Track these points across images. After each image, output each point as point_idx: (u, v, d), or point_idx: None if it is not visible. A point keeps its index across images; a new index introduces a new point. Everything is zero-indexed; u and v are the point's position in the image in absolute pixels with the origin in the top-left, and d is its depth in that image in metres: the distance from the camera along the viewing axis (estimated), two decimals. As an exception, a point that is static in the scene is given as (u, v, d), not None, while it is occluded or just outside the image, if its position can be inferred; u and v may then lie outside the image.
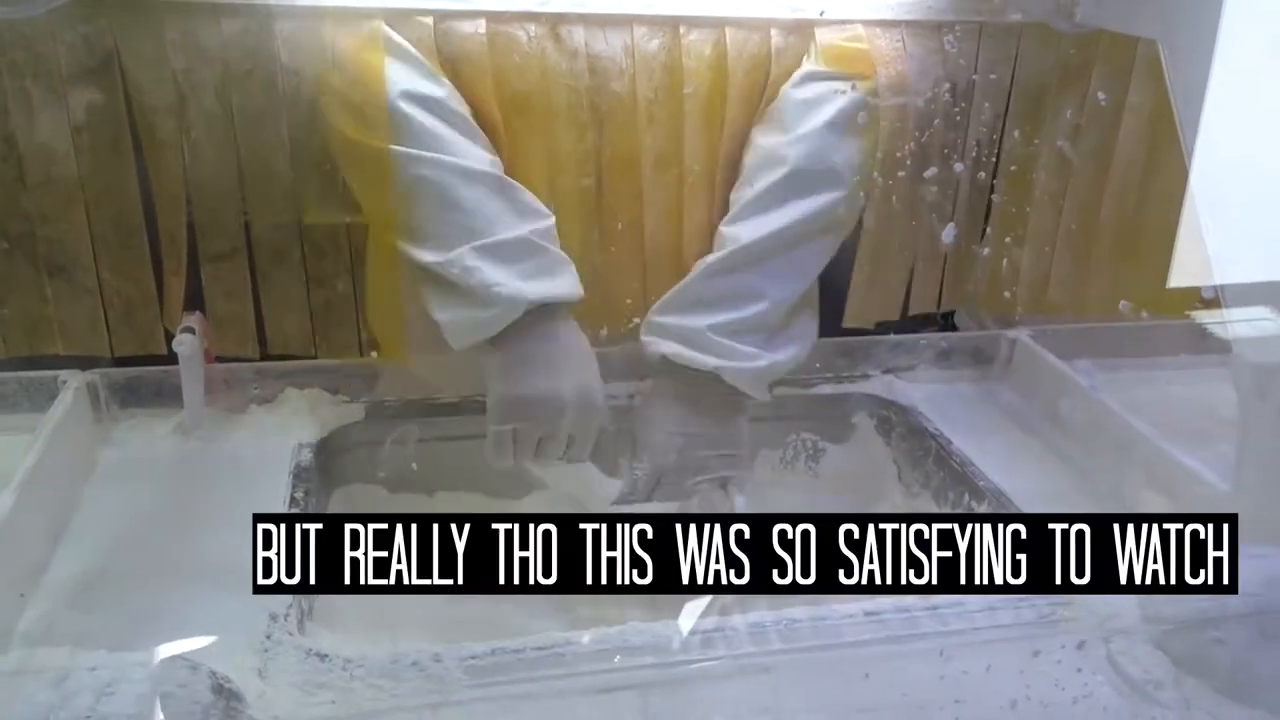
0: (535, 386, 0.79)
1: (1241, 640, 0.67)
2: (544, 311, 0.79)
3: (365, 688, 0.59)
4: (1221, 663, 0.65)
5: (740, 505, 0.85)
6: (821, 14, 0.88)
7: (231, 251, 0.86)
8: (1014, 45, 0.93)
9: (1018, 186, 0.98)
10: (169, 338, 0.85)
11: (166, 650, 0.61)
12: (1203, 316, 0.77)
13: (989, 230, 0.98)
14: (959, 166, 0.95)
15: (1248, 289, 0.76)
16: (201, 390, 0.87)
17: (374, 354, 0.91)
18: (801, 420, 1.01)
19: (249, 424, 0.90)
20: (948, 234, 0.92)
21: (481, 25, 0.82)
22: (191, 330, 0.84)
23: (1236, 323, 0.76)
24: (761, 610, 0.67)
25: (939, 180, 0.94)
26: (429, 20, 0.81)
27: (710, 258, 0.86)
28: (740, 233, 0.86)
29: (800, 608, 0.67)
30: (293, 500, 0.79)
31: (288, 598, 0.67)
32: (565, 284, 0.81)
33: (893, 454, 1.00)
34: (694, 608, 0.66)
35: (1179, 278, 0.96)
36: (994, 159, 0.96)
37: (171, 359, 0.84)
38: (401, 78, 0.79)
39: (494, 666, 0.61)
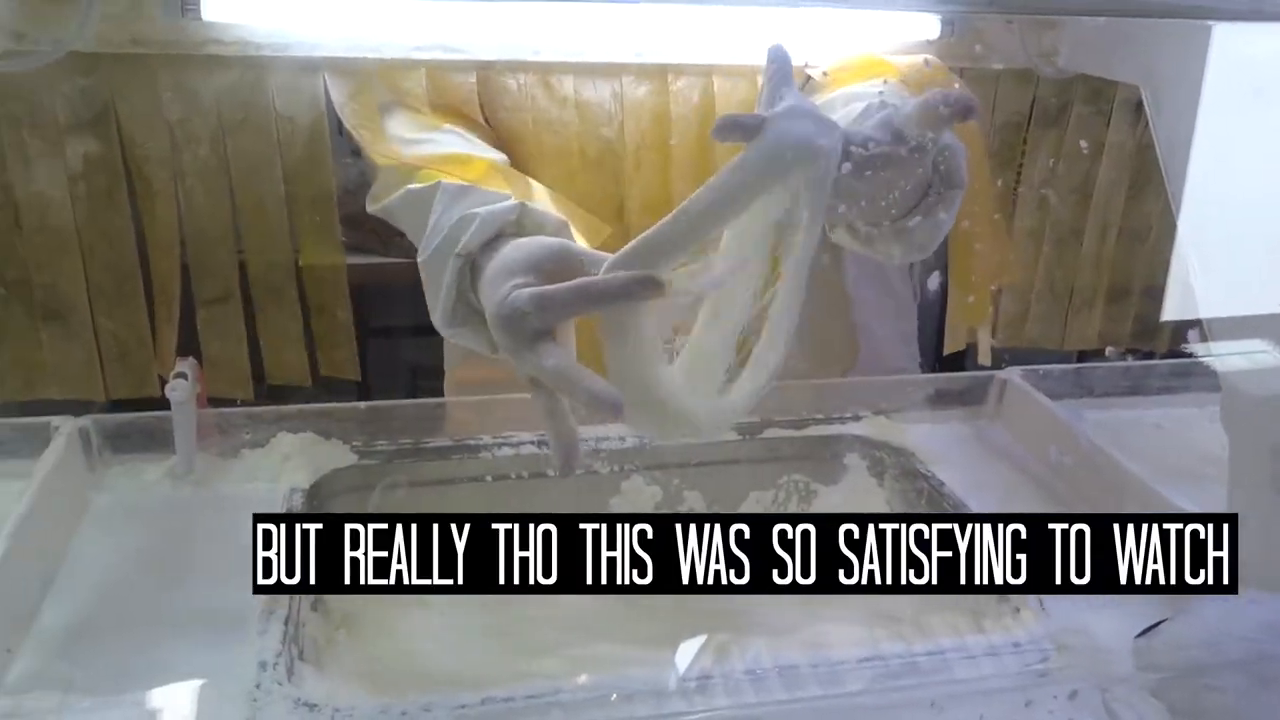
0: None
1: (1237, 687, 0.67)
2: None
3: (354, 737, 0.59)
4: (1217, 710, 0.64)
5: None
6: (806, 65, 0.89)
7: (226, 295, 0.87)
8: (994, 88, 0.95)
9: (999, 227, 0.99)
10: (163, 382, 0.86)
11: (154, 700, 0.61)
12: (1198, 352, 0.76)
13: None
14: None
15: (1234, 325, 0.76)
16: (193, 435, 0.87)
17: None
18: (793, 461, 1.00)
19: (241, 469, 0.90)
20: (933, 281, 0.93)
21: (472, 76, 0.84)
22: (184, 375, 0.84)
23: (1227, 357, 0.76)
24: (759, 652, 0.65)
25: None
26: (421, 71, 0.83)
27: None
28: None
29: (797, 651, 0.66)
30: (283, 546, 0.79)
31: (278, 644, 0.66)
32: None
33: (885, 495, 1.00)
34: (689, 646, 0.66)
35: (1165, 315, 0.97)
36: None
37: (164, 403, 0.84)
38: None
39: (484, 715, 0.61)
